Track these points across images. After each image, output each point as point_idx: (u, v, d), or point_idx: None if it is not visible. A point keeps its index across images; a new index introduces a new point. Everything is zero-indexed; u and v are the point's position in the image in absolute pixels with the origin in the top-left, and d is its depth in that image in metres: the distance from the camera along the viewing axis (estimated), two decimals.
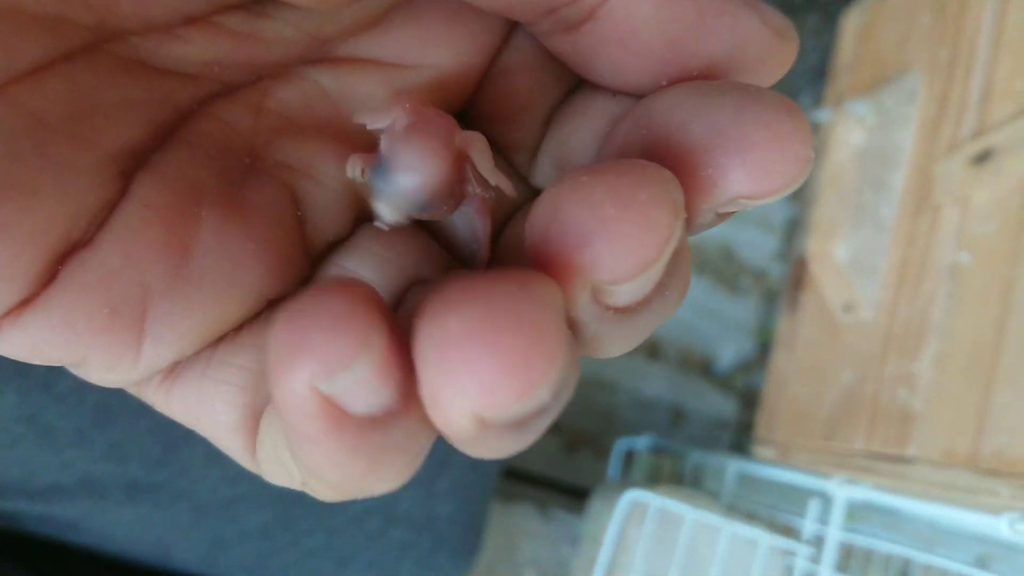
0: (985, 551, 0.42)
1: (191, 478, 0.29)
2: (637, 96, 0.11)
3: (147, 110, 0.11)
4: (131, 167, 0.11)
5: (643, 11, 0.10)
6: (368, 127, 0.11)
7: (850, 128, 0.46)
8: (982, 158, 0.39)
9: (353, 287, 0.08)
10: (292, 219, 0.12)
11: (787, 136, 0.10)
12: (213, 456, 0.29)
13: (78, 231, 0.10)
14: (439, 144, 0.11)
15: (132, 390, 0.12)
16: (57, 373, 0.26)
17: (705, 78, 0.11)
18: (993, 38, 0.42)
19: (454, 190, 0.11)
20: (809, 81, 0.79)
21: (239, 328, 0.11)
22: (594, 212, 0.08)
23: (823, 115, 0.50)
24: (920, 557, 0.38)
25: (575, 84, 0.13)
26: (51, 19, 0.10)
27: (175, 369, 0.11)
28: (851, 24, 0.53)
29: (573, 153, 0.12)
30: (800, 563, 0.41)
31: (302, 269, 0.12)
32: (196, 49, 0.11)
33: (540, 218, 0.09)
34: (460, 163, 0.11)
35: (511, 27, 0.13)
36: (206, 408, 0.11)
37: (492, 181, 0.11)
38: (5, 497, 0.27)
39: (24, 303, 0.10)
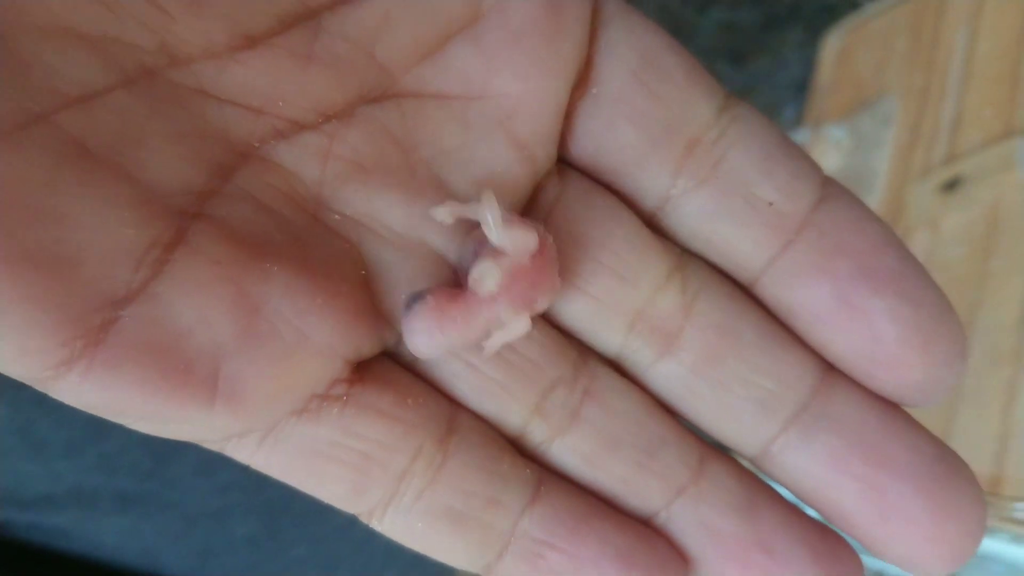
0: None
1: (181, 489, 0.29)
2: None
3: (201, 145, 0.10)
4: (187, 207, 0.10)
5: None
6: (449, 214, 0.11)
7: (827, 151, 0.47)
8: (952, 185, 0.41)
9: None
10: (358, 275, 0.11)
11: None
12: (203, 467, 0.29)
13: (123, 270, 0.10)
14: (449, 328, 0.11)
15: (213, 446, 0.11)
16: None
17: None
18: (964, 66, 0.44)
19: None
20: (793, 94, 0.81)
21: (346, 401, 0.11)
22: None
23: (802, 136, 0.51)
24: (891, 569, 0.39)
25: (705, 124, 0.12)
26: (106, 41, 0.10)
27: (272, 436, 0.11)
28: (830, 47, 0.54)
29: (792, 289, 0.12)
30: None
31: (378, 328, 0.12)
32: (257, 74, 0.11)
33: None
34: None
35: (589, 52, 0.12)
36: (316, 478, 0.11)
37: (496, 241, 0.11)
38: None
39: (85, 350, 0.10)
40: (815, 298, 0.12)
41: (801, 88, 0.70)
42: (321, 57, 0.11)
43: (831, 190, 0.12)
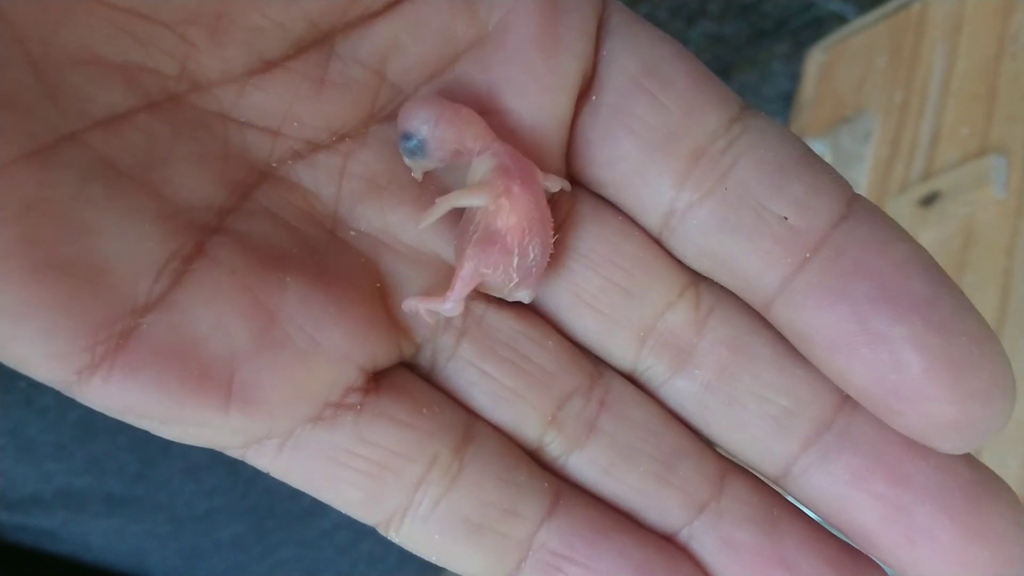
0: None
1: (168, 491, 0.29)
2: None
3: (222, 166, 0.11)
4: (208, 222, 0.11)
5: None
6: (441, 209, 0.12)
7: None
8: (928, 200, 0.42)
9: None
10: (373, 288, 0.12)
11: None
12: (190, 470, 0.29)
13: (145, 280, 0.10)
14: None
15: (234, 453, 0.11)
16: (39, 389, 0.27)
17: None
18: (942, 85, 0.45)
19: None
20: (779, 107, 0.82)
21: (360, 410, 0.11)
22: None
23: None
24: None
25: (705, 144, 0.12)
26: (131, 67, 0.10)
27: (289, 443, 0.11)
28: (813, 63, 0.56)
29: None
30: None
31: (394, 337, 0.12)
32: (273, 97, 0.11)
33: None
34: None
35: (594, 62, 0.12)
36: (331, 485, 0.11)
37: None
38: None
39: (106, 355, 0.10)
40: (831, 323, 0.11)
41: (788, 100, 0.71)
42: (334, 79, 0.12)
43: (857, 207, 0.11)
